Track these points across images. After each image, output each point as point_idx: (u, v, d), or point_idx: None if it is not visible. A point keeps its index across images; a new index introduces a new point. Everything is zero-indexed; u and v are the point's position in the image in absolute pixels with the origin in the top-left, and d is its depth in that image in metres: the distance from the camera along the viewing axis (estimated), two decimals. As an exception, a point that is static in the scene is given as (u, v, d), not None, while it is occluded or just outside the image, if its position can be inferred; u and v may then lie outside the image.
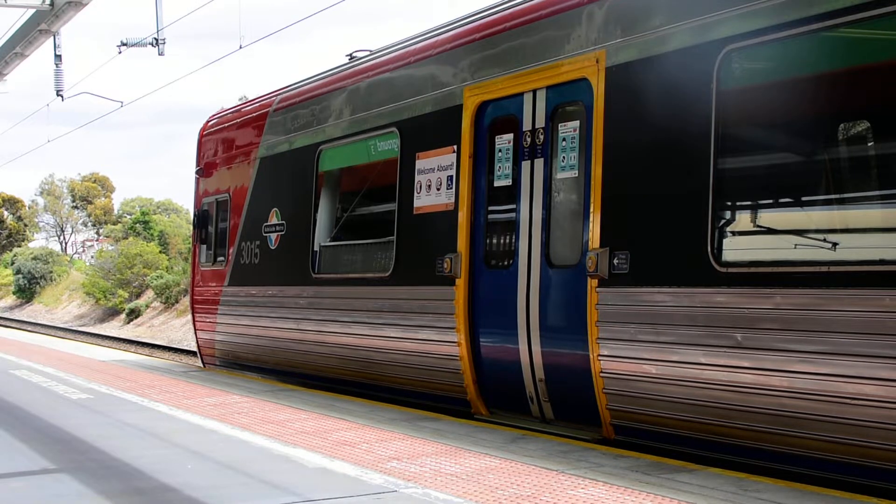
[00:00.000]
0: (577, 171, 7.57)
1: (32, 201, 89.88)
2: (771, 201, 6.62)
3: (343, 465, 6.21)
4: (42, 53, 19.92)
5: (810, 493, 5.41)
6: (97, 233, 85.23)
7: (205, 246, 14.29)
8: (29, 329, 36.51)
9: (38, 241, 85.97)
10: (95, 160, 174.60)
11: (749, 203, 6.64)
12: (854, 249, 5.85)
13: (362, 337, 9.93)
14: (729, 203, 6.53)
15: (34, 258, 61.23)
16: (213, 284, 13.70)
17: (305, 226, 11.28)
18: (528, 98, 8.05)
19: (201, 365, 14.53)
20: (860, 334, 5.42)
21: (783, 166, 6.59)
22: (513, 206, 8.13)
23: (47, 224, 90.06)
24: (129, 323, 42.12)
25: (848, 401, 5.50)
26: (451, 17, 9.82)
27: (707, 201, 6.35)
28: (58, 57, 20.60)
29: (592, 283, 7.12)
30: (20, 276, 59.63)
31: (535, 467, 6.09)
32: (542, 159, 7.87)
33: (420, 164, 9.26)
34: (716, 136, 6.35)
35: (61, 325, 42.25)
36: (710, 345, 6.26)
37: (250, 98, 14.42)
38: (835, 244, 5.86)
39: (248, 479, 5.91)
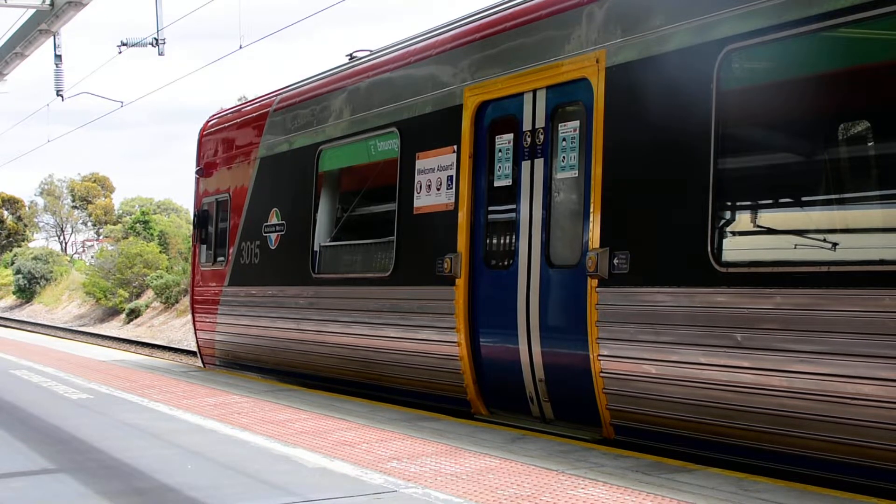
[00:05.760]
0: (577, 171, 7.57)
1: (32, 201, 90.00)
2: (771, 201, 6.62)
3: (343, 465, 6.22)
4: (42, 53, 19.93)
5: (810, 493, 5.41)
6: (97, 233, 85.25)
7: (205, 246, 14.29)
8: (29, 329, 36.51)
9: (38, 241, 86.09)
10: (95, 160, 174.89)
11: (749, 203, 6.64)
12: (854, 249, 5.85)
13: (362, 337, 9.93)
14: (729, 203, 6.53)
15: (34, 258, 61.23)
16: (213, 284, 13.70)
17: (305, 226, 11.28)
18: (528, 98, 8.05)
19: (201, 365, 14.53)
20: (860, 334, 5.42)
21: (783, 166, 6.59)
22: (513, 206, 8.12)
23: (47, 224, 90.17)
24: (129, 323, 42.11)
25: (848, 401, 5.50)
26: (451, 18, 9.83)
27: (707, 201, 6.35)
28: (58, 57, 20.58)
29: (592, 283, 7.12)
30: (20, 276, 59.63)
31: (535, 467, 6.09)
32: (542, 159, 7.87)
33: (420, 164, 9.26)
34: (716, 137, 6.35)
35: (61, 325, 42.25)
36: (710, 345, 6.26)
37: (250, 98, 14.42)
38: (835, 244, 5.86)
39: (248, 479, 5.91)
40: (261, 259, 12.36)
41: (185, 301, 34.74)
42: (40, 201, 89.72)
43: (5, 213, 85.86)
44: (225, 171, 13.67)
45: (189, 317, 18.25)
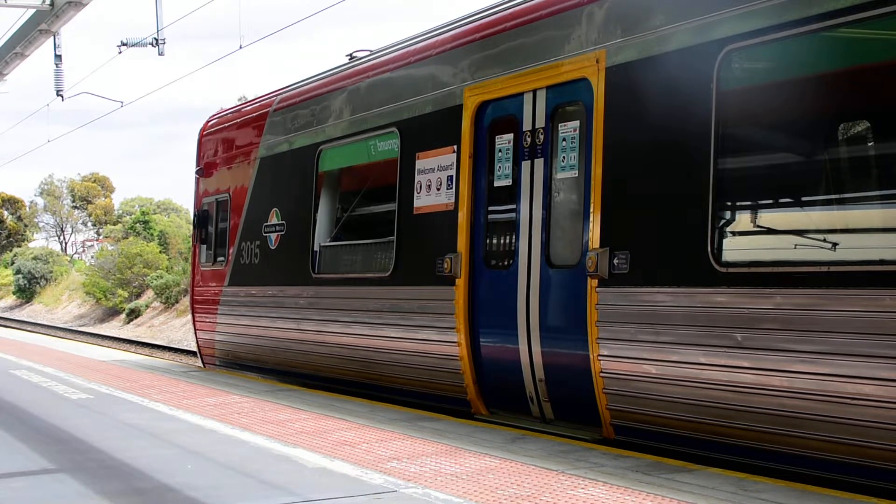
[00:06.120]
0: (577, 171, 7.57)
1: (32, 201, 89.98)
2: (771, 201, 6.62)
3: (343, 465, 6.22)
4: (42, 53, 19.93)
5: (810, 493, 5.41)
6: (97, 233, 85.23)
7: (205, 246, 14.29)
8: (29, 329, 36.51)
9: (38, 242, 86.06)
10: (95, 160, 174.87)
11: (749, 203, 6.64)
12: (854, 249, 5.85)
13: (362, 337, 9.93)
14: (729, 203, 6.53)
15: (34, 258, 61.23)
16: (213, 284, 13.70)
17: (305, 226, 11.28)
18: (528, 98, 8.05)
19: (201, 365, 14.53)
20: (860, 334, 5.42)
21: (783, 166, 6.59)
22: (513, 206, 8.13)
23: (47, 224, 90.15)
24: (129, 323, 42.12)
25: (848, 401, 5.50)
26: (451, 17, 9.83)
27: (707, 201, 6.35)
28: (58, 57, 20.58)
29: (592, 283, 7.12)
30: (20, 276, 59.63)
31: (535, 467, 6.09)
32: (542, 159, 7.87)
33: (420, 164, 9.26)
34: (716, 137, 6.35)
35: (61, 325, 42.24)
36: (710, 345, 6.26)
37: (250, 98, 14.42)
38: (835, 244, 5.86)
39: (248, 479, 5.92)
40: (261, 259, 12.36)
41: (185, 301, 34.74)
42: (40, 201, 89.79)
43: (5, 213, 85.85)
44: (225, 171, 13.67)
45: (189, 317, 18.25)
